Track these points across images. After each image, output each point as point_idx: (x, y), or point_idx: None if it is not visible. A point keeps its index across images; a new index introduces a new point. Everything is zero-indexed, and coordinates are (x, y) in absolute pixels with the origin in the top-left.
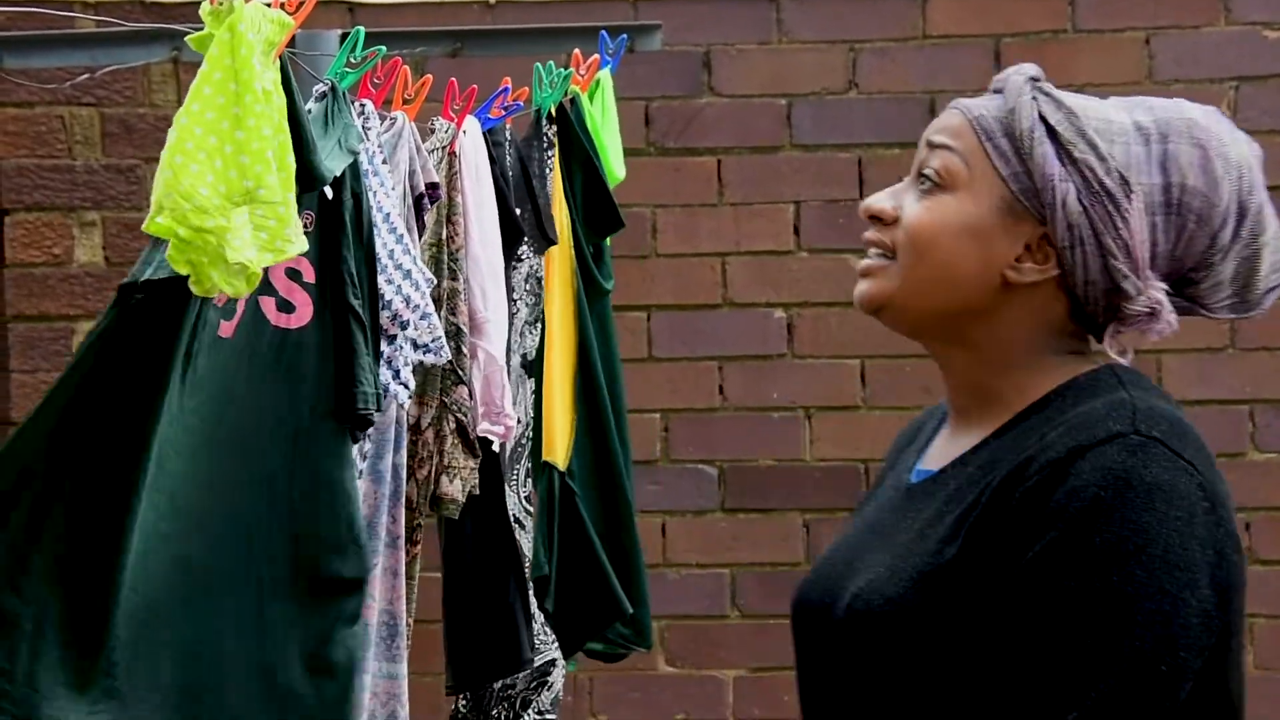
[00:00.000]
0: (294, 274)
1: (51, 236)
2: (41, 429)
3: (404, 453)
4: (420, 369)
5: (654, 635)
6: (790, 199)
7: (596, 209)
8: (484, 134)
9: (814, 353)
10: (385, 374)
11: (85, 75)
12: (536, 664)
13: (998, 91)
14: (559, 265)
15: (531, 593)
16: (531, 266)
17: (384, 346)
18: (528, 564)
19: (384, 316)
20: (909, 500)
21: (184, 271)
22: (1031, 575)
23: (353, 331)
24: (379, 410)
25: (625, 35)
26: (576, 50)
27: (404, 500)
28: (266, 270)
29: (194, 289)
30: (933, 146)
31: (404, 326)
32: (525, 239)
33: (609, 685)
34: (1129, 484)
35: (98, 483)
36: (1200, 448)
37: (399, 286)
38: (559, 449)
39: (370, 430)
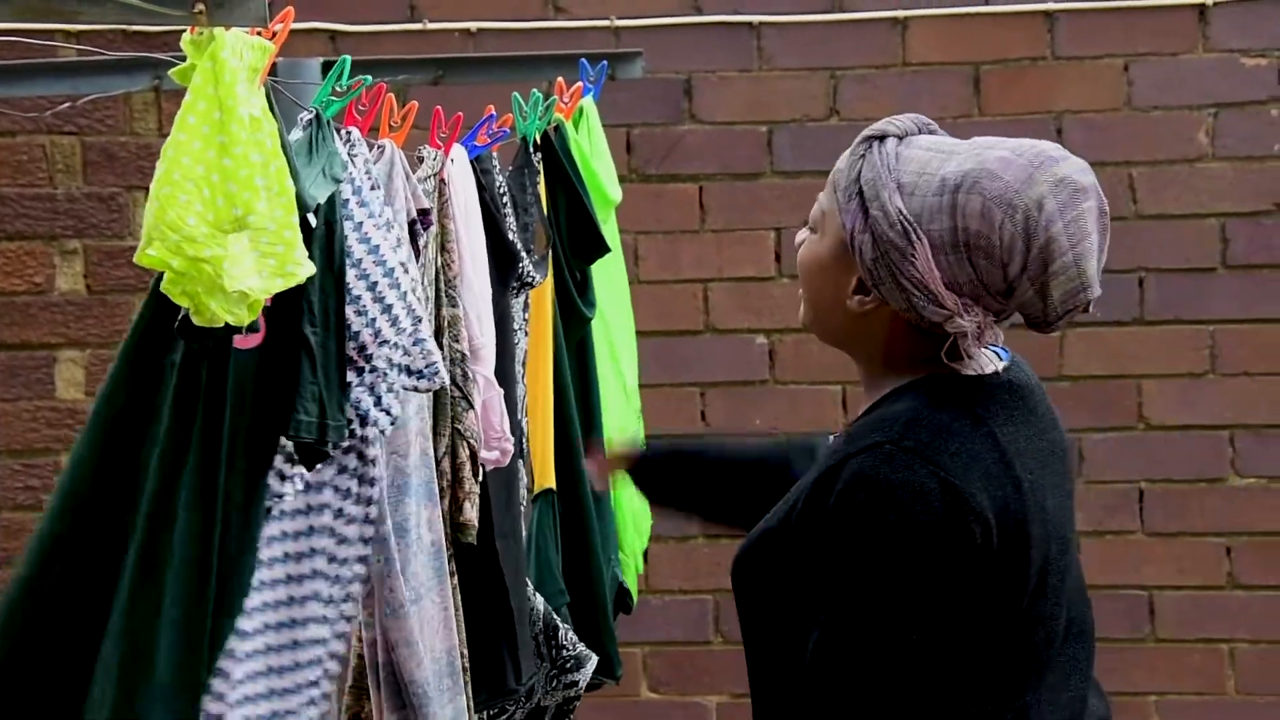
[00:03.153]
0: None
1: (33, 265)
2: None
3: (423, 497)
4: (435, 401)
5: (637, 662)
6: (771, 225)
7: (581, 235)
8: (471, 162)
9: (795, 378)
10: (366, 400)
11: (67, 104)
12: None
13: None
14: (540, 293)
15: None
16: (529, 296)
17: (351, 376)
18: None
19: (350, 348)
20: None
21: (182, 304)
22: (817, 549)
23: (300, 359)
24: (334, 442)
25: (606, 62)
26: (560, 78)
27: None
28: None
29: (195, 320)
30: (822, 193)
31: (369, 359)
32: (522, 265)
33: (592, 712)
34: (873, 484)
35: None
36: (958, 453)
37: (372, 319)
38: (549, 473)
39: (375, 479)
